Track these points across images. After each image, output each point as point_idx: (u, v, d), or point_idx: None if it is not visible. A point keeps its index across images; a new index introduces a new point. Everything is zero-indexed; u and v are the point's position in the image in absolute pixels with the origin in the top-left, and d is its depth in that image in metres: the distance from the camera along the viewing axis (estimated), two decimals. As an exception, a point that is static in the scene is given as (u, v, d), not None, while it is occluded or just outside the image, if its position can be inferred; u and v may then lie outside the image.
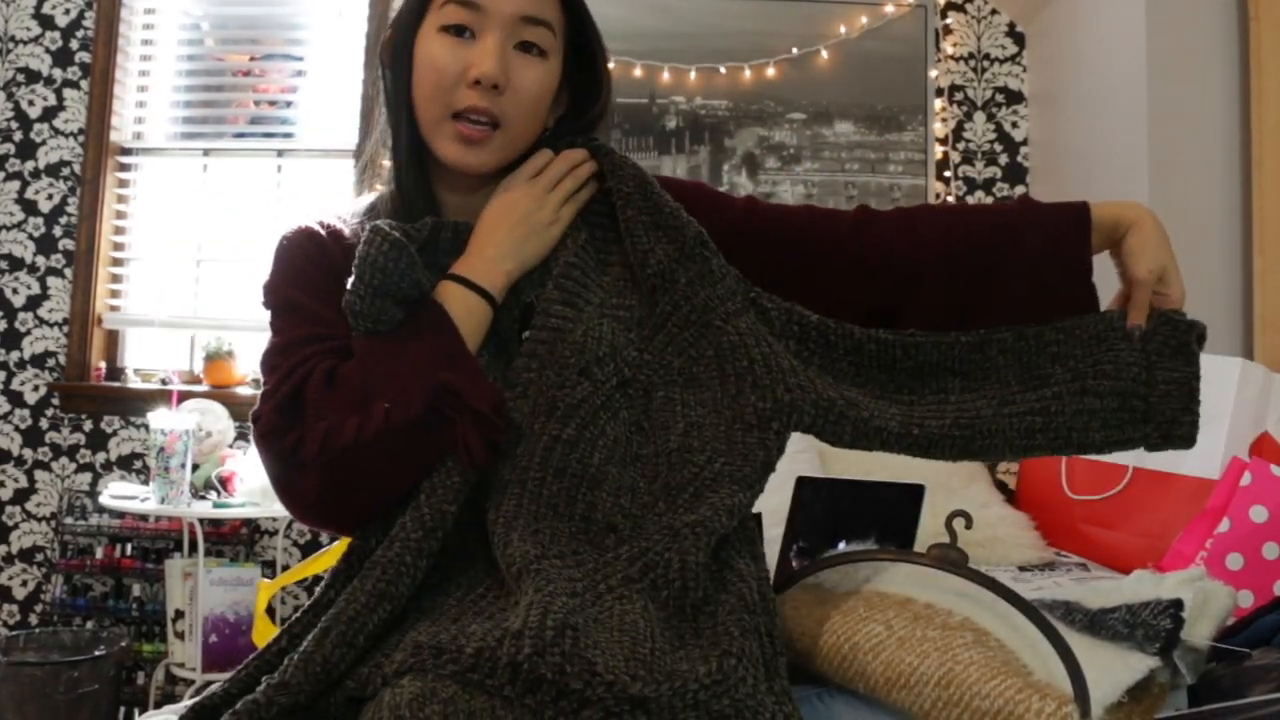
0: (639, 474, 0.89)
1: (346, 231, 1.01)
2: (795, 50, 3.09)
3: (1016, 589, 0.82)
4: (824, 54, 3.09)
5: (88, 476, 3.04)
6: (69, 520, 2.99)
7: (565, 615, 0.71)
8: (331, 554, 2.28)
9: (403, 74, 1.01)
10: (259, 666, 0.85)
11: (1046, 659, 0.76)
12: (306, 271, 0.98)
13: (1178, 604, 0.81)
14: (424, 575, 0.82)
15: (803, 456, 2.31)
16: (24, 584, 3.03)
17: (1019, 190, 3.11)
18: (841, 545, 1.05)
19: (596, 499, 0.86)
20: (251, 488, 2.63)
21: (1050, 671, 0.75)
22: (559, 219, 1.01)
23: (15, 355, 3.08)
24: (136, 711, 2.79)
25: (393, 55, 1.02)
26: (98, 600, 2.96)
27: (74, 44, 3.14)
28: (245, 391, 3.00)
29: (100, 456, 3.05)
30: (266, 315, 0.98)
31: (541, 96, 1.02)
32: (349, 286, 0.89)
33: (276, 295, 0.98)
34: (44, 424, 3.07)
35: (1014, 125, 3.13)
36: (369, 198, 1.08)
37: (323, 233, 1.01)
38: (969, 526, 0.88)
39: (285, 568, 2.91)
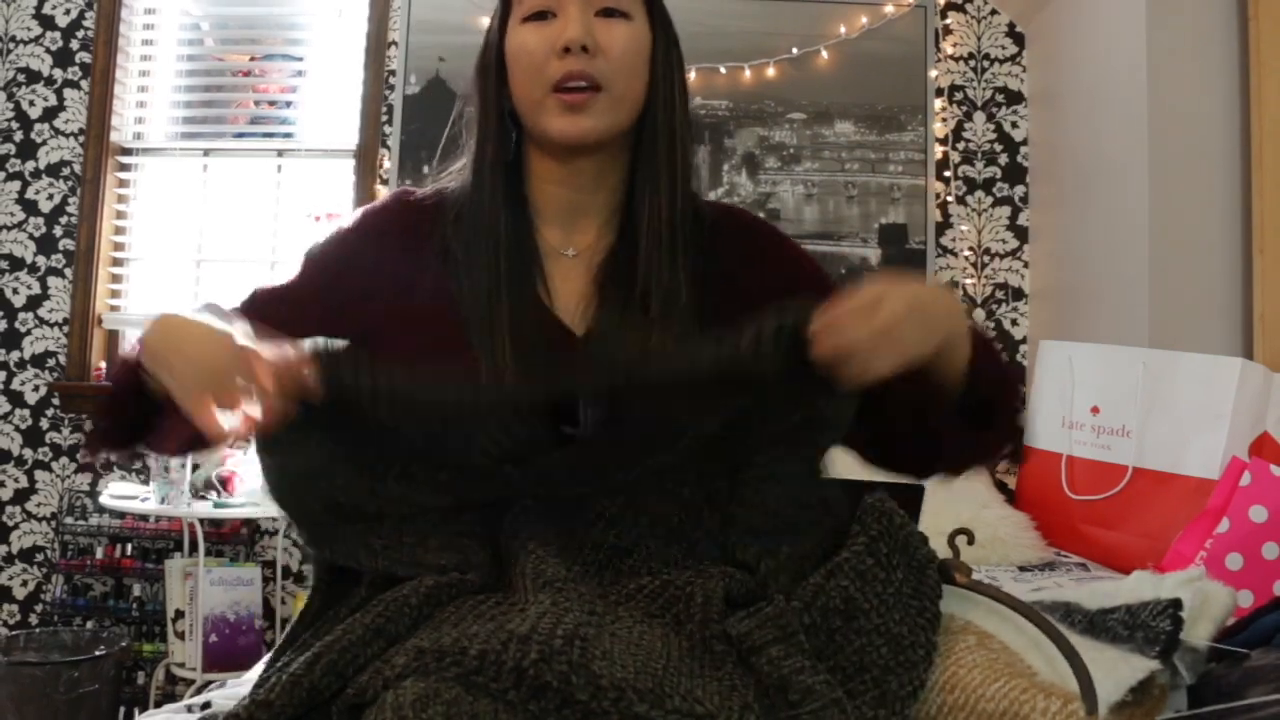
0: (684, 551, 0.87)
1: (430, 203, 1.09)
2: (795, 50, 3.09)
3: (1016, 590, 0.82)
4: (824, 54, 3.09)
5: (88, 476, 3.04)
6: (69, 520, 2.99)
7: (576, 626, 0.70)
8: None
9: (499, 78, 1.05)
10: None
11: (1052, 659, 0.76)
12: (329, 266, 1.08)
13: (1177, 604, 0.81)
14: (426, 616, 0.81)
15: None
16: (24, 584, 3.03)
17: (1019, 190, 3.11)
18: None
19: (627, 564, 0.86)
20: (251, 488, 2.63)
21: (1056, 671, 0.75)
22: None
23: (15, 355, 3.08)
24: (136, 711, 2.79)
25: (486, 63, 1.06)
26: (98, 600, 2.96)
27: (74, 44, 3.14)
28: (245, 391, 3.00)
29: (100, 456, 3.05)
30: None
31: (633, 53, 1.03)
32: None
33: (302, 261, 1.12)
34: (44, 424, 3.07)
35: (1014, 125, 3.13)
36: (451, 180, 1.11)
37: (397, 207, 1.10)
38: (971, 543, 0.88)
39: (285, 568, 2.91)
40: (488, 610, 0.78)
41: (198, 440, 0.87)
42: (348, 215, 1.11)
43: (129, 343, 3.19)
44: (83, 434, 2.97)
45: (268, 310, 1.06)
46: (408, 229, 1.07)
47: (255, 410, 0.81)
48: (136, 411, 0.95)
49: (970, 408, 0.94)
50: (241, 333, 0.86)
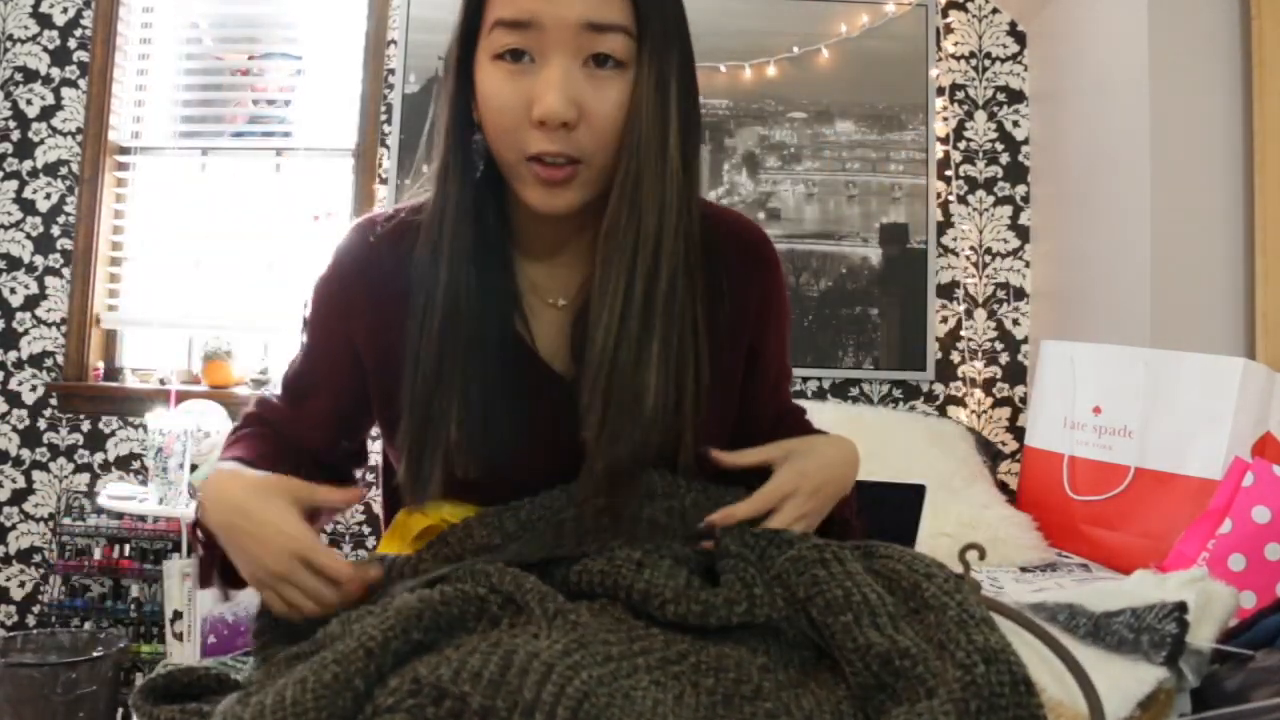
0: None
1: (401, 234, 0.98)
2: (796, 49, 3.08)
3: (1018, 591, 0.81)
4: (825, 53, 3.08)
5: (86, 477, 3.04)
6: (67, 521, 2.98)
7: (583, 697, 0.65)
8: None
9: (465, 112, 0.91)
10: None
11: (1059, 675, 0.74)
12: (326, 317, 1.02)
13: (1182, 607, 0.80)
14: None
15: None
16: (22, 585, 3.02)
17: (1020, 189, 3.10)
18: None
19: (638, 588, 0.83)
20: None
21: (1064, 687, 0.74)
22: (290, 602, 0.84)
23: (13, 355, 3.08)
24: (135, 714, 2.78)
25: (449, 89, 0.91)
26: (96, 601, 2.95)
27: (72, 43, 3.13)
28: (243, 392, 3.00)
29: (98, 457, 3.05)
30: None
31: (625, 121, 0.86)
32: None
33: (304, 328, 1.05)
34: (42, 424, 3.06)
35: (1015, 124, 3.12)
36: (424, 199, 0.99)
37: (368, 255, 1.00)
38: (982, 558, 0.87)
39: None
40: (493, 633, 0.74)
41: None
42: (322, 267, 1.04)
43: (122, 349, 3.19)
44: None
45: (311, 404, 1.05)
46: (372, 277, 0.99)
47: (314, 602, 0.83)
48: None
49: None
50: (296, 510, 0.87)
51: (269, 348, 3.13)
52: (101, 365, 3.10)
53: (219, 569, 0.93)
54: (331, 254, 1.03)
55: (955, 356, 3.07)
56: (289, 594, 0.83)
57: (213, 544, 0.91)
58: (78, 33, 3.13)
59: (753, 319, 1.04)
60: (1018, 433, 3.00)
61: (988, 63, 3.14)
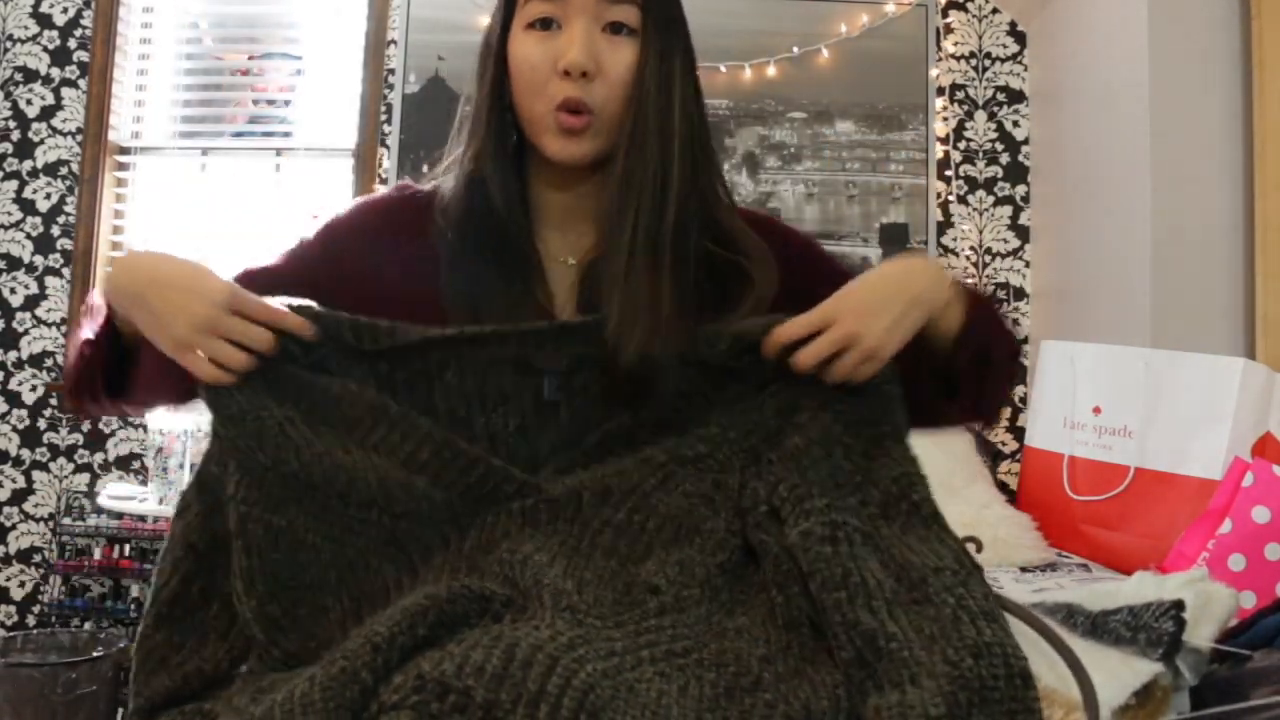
0: (697, 549, 0.86)
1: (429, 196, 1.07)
2: (796, 49, 3.08)
3: (1017, 591, 0.82)
4: (825, 53, 3.08)
5: (86, 477, 3.04)
6: (67, 521, 2.98)
7: (588, 690, 0.66)
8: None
9: (500, 79, 1.01)
10: None
11: (1054, 664, 0.75)
12: (319, 250, 1.06)
13: (1179, 605, 0.80)
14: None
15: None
16: (22, 585, 3.02)
17: (1020, 189, 3.10)
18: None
19: (641, 570, 0.84)
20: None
21: (1058, 676, 0.74)
22: (219, 357, 0.84)
23: (13, 355, 3.08)
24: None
25: (488, 62, 1.03)
26: (96, 601, 2.95)
27: (72, 43, 3.13)
28: (244, 391, 3.00)
29: (98, 457, 3.05)
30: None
31: (637, 79, 0.99)
32: None
33: (297, 240, 1.08)
34: (42, 424, 3.06)
35: (1015, 124, 3.12)
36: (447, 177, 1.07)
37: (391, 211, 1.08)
38: (980, 550, 0.87)
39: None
40: (494, 627, 0.74)
41: (187, 392, 0.89)
42: (344, 204, 1.10)
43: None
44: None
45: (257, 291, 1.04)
46: (405, 227, 1.05)
47: (245, 352, 0.84)
48: (112, 361, 0.96)
49: (953, 371, 1.02)
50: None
51: (269, 348, 3.13)
52: (101, 365, 3.10)
53: (103, 372, 0.95)
54: (357, 203, 1.12)
55: (955, 356, 3.06)
56: (216, 349, 0.84)
57: (101, 342, 0.94)
58: (78, 33, 3.13)
59: (788, 293, 1.05)
60: (1018, 433, 3.00)
61: (988, 63, 3.14)
